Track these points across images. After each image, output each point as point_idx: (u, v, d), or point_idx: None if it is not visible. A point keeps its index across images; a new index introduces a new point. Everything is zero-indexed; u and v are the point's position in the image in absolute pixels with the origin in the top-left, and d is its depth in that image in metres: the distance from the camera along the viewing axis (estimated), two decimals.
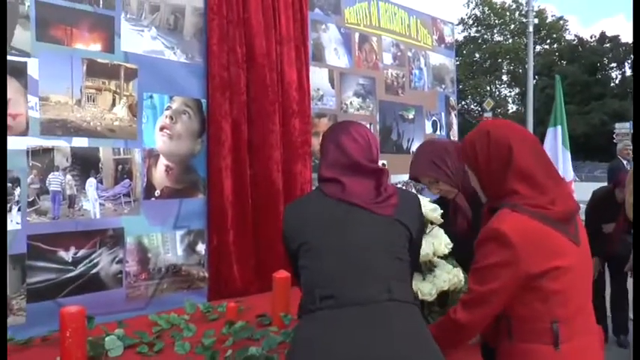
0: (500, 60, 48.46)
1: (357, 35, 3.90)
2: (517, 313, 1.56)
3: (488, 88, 48.67)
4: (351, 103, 3.82)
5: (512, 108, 50.32)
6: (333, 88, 3.70)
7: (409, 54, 4.37)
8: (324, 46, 3.68)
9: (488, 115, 26.62)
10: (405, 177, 4.29)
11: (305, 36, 3.42)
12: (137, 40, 2.74)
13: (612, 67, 43.85)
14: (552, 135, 5.45)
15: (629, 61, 42.36)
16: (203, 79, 2.98)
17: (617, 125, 26.62)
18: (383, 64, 4.11)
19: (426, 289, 1.97)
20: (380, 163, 3.93)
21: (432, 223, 2.14)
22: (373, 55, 4.02)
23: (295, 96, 3.31)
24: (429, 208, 2.10)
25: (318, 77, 3.60)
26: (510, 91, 50.80)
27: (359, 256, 1.50)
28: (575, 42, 45.30)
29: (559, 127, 5.51)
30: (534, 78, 32.54)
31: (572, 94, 40.15)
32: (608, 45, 43.42)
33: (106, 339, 1.97)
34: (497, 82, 49.99)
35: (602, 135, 36.80)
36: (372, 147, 1.70)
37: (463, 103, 47.66)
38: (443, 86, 4.72)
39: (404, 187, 4.21)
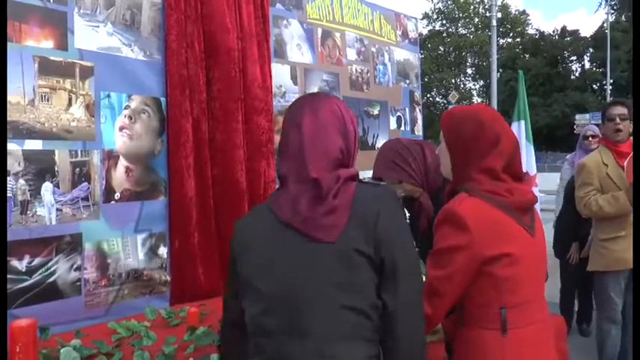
0: (464, 53, 49.09)
1: (319, 31, 3.85)
2: (469, 299, 1.58)
3: (453, 81, 49.25)
4: None
5: (476, 100, 51.04)
6: (295, 84, 3.64)
7: (373, 49, 4.34)
8: (286, 42, 3.62)
9: (452, 107, 26.95)
10: (370, 173, 4.27)
11: (267, 32, 3.35)
12: (92, 36, 2.63)
13: (572, 60, 44.81)
14: (516, 129, 5.50)
15: (588, 55, 43.35)
16: (162, 76, 2.89)
17: (577, 117, 27.29)
18: (347, 59, 4.07)
19: None
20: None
21: None
22: (337, 51, 3.98)
23: (258, 93, 3.24)
24: None
25: (280, 74, 3.54)
26: (475, 84, 51.54)
27: (294, 310, 1.21)
28: (537, 36, 46.13)
29: (522, 122, 5.57)
30: (498, 71, 32.97)
31: (536, 87, 40.88)
32: (568, 39, 44.33)
33: (61, 351, 1.89)
34: (461, 75, 50.64)
35: (563, 126, 37.62)
36: (347, 127, 1.34)
37: (428, 95, 48.15)
38: (407, 81, 4.71)
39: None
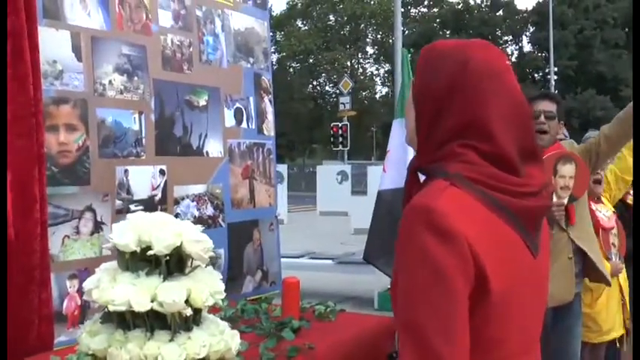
0: (363, 26, 50.73)
1: None
2: None
3: (349, 64, 50.74)
4: (110, 82, 3.76)
5: (381, 90, 52.88)
6: (79, 60, 3.61)
7: (198, 13, 4.40)
8: None
9: (345, 99, 27.76)
10: (197, 189, 4.34)
11: None
12: None
13: (507, 41, 47.98)
14: (399, 127, 5.74)
15: (527, 34, 46.60)
16: None
17: None
18: (158, 26, 4.09)
19: (170, 354, 2.00)
20: (157, 168, 3.94)
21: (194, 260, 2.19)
22: (142, 13, 4.00)
23: (11, 72, 3.18)
24: (192, 239, 2.15)
25: (54, 44, 3.49)
26: (378, 68, 53.37)
27: None
28: (460, 7, 48.79)
29: (399, 121, 5.83)
30: (409, 51, 34.21)
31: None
32: (501, 13, 47.40)
33: None
34: (360, 55, 52.29)
35: None
36: None
37: (315, 83, 49.20)
38: (251, 60, 4.83)
39: (195, 203, 4.25)
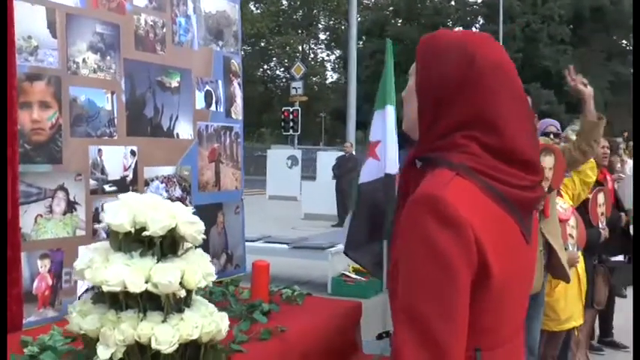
0: (315, 11, 50.71)
1: None
2: None
3: (301, 48, 50.69)
4: (84, 60, 3.72)
5: (331, 76, 53.00)
6: (54, 37, 3.57)
7: None
8: None
9: (297, 84, 27.74)
10: (167, 170, 4.32)
11: None
12: None
13: None
14: (381, 118, 5.63)
15: (478, 26, 47.16)
16: None
17: None
18: (132, 5, 4.05)
19: (164, 335, 2.02)
20: (128, 149, 3.91)
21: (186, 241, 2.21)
22: None
23: None
24: (186, 221, 2.16)
25: (29, 19, 3.43)
26: (329, 54, 53.46)
27: None
28: None
29: (389, 107, 5.67)
30: (360, 39, 34.49)
31: (408, 63, 43.25)
32: (453, 3, 47.84)
33: None
34: (312, 40, 52.29)
35: None
36: None
37: (265, 67, 49.04)
38: (220, 43, 4.81)
39: (164, 185, 4.24)
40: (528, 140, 1.62)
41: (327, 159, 20.92)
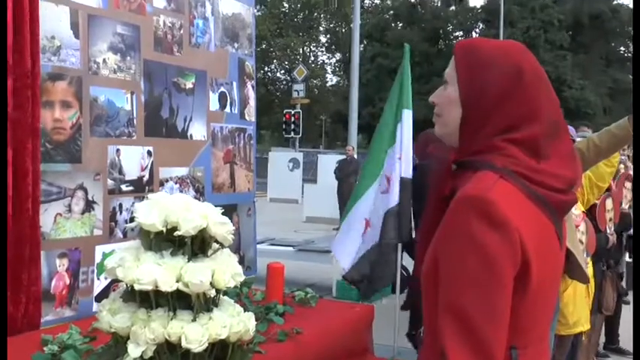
0: (316, 14, 50.69)
1: None
2: None
3: (301, 51, 50.68)
4: (104, 61, 3.74)
5: (331, 80, 52.97)
6: (77, 37, 3.59)
7: None
8: None
9: (299, 87, 27.72)
10: (180, 171, 4.34)
11: None
12: None
13: (458, 37, 48.45)
14: (408, 121, 5.49)
15: (477, 31, 47.21)
16: None
17: None
18: (152, 7, 4.08)
19: (194, 334, 2.03)
20: (145, 149, 3.92)
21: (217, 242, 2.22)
22: None
23: (11, 44, 3.14)
24: (217, 221, 2.17)
25: (53, 19, 3.45)
26: (330, 57, 53.44)
27: None
28: (414, 0, 49.10)
29: (407, 111, 5.55)
30: (361, 42, 34.51)
31: (410, 67, 43.34)
32: (453, 8, 47.87)
33: None
34: (312, 43, 52.27)
35: None
36: None
37: (266, 69, 48.99)
38: (236, 45, 4.84)
39: (178, 185, 4.25)
40: (565, 134, 1.70)
41: (328, 162, 20.90)
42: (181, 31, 4.31)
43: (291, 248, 9.08)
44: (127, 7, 3.91)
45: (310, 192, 19.84)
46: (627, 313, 6.90)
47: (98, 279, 3.65)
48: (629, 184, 5.59)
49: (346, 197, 16.68)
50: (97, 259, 3.64)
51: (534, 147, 1.61)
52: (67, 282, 3.49)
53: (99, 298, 3.62)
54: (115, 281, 3.61)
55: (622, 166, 7.71)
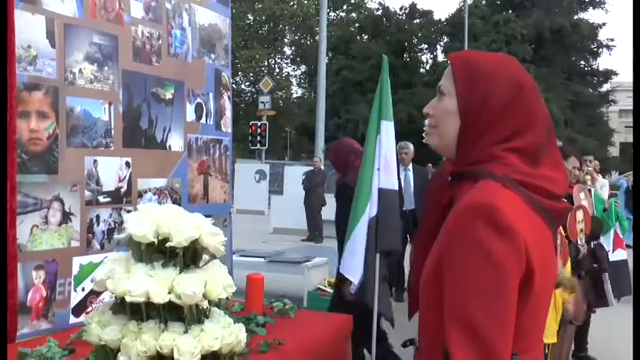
0: (281, 27, 50.81)
1: None
2: None
3: (267, 63, 50.73)
4: (80, 71, 3.69)
5: (296, 92, 53.06)
6: (53, 46, 3.53)
7: (168, 6, 4.36)
8: None
9: (265, 98, 27.71)
10: (159, 182, 4.28)
11: None
12: None
13: (422, 50, 48.81)
14: (388, 133, 5.41)
15: (442, 44, 47.60)
16: None
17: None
18: (130, 17, 4.04)
19: (186, 346, 2.00)
20: (124, 160, 3.87)
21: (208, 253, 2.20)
22: (116, 3, 3.94)
23: None
24: (209, 232, 2.15)
25: (29, 28, 3.40)
26: (295, 69, 53.56)
27: None
28: (379, 12, 49.34)
29: (389, 123, 5.49)
30: (327, 55, 34.67)
31: (374, 80, 43.54)
32: (418, 21, 48.18)
33: None
34: (278, 55, 52.37)
35: (410, 133, 40.35)
36: None
37: (232, 81, 49.00)
38: (213, 56, 4.81)
39: (156, 197, 4.21)
40: (555, 140, 1.77)
41: (294, 173, 21.00)
42: (160, 42, 4.27)
43: (262, 259, 9.04)
44: (104, 16, 3.86)
45: (277, 203, 19.87)
46: (595, 321, 6.97)
47: (75, 291, 3.60)
48: (580, 215, 5.49)
49: (314, 208, 16.81)
50: (74, 270, 3.58)
51: (534, 153, 1.66)
52: (44, 294, 3.43)
53: (75, 310, 3.57)
54: (93, 293, 3.61)
55: (588, 177, 7.81)
